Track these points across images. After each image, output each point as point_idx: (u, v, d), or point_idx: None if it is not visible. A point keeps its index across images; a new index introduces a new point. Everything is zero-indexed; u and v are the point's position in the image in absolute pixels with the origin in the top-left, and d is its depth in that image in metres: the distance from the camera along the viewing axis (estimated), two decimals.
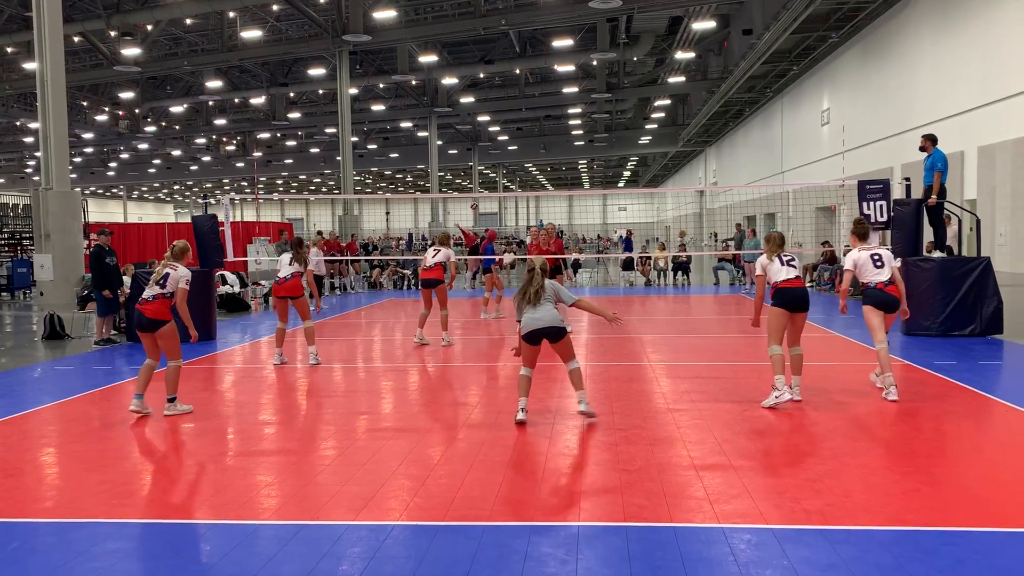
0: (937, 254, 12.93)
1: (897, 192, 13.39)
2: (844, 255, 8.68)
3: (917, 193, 12.99)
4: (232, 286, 18.65)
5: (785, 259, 7.76)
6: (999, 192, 20.59)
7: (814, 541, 4.27)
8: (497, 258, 19.34)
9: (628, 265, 26.69)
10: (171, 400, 7.76)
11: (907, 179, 13.46)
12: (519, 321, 7.19)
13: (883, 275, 7.84)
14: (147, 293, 7.81)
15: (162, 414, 7.70)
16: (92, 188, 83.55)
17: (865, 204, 13.08)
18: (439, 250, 12.30)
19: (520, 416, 7.04)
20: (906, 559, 4.02)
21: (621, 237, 26.56)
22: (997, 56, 20.51)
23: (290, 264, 10.69)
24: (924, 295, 11.76)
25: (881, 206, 12.97)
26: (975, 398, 7.73)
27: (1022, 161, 19.47)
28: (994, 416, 7.15)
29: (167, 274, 7.85)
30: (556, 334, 7.09)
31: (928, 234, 13.08)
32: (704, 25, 31.79)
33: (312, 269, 11.01)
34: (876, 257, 7.93)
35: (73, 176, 71.29)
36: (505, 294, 16.81)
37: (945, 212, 13.27)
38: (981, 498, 4.94)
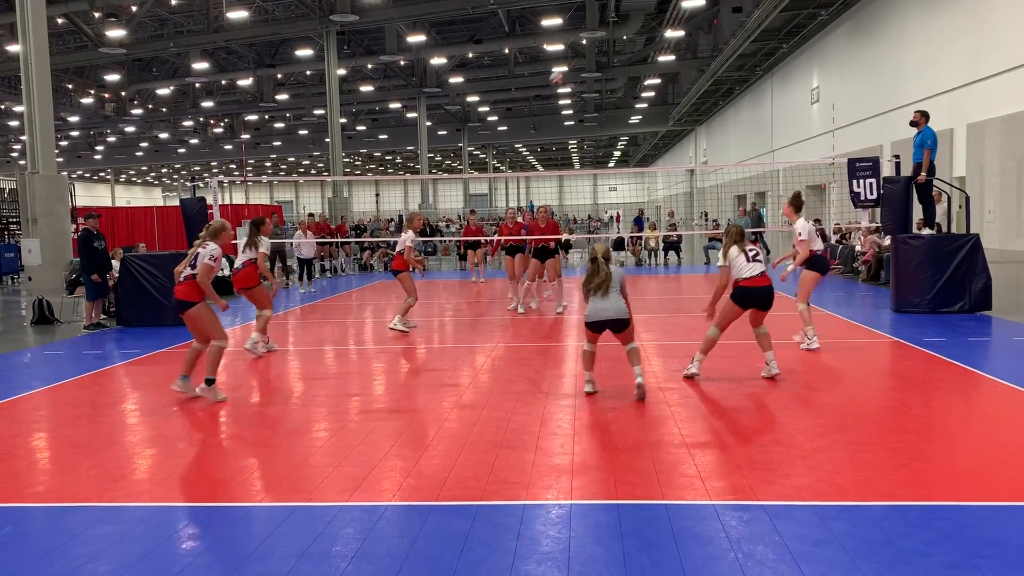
0: (927, 231, 12.98)
1: (887, 169, 13.41)
2: (800, 230, 9.26)
3: (907, 171, 13.01)
4: (222, 269, 18.57)
5: (751, 254, 7.66)
6: (988, 169, 20.65)
7: (805, 517, 4.30)
8: (484, 239, 19.25)
9: (619, 245, 26.70)
10: (208, 382, 7.46)
11: (896, 157, 13.48)
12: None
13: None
14: (181, 276, 7.55)
15: (196, 392, 7.55)
16: (79, 172, 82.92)
17: (855, 182, 13.10)
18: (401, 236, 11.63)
19: (588, 388, 7.33)
20: (896, 534, 4.05)
21: (611, 217, 26.35)
22: (986, 33, 20.50)
23: (244, 250, 9.86)
24: (913, 272, 11.81)
25: (871, 184, 12.99)
26: (964, 374, 7.79)
27: (1011, 138, 19.51)
28: (982, 392, 7.21)
29: (198, 254, 7.52)
30: (620, 325, 7.13)
31: (918, 211, 13.12)
32: (694, 3, 31.62)
33: (264, 251, 9.90)
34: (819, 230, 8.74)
35: (60, 160, 70.76)
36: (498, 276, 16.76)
37: (935, 189, 13.30)
38: (969, 473, 4.98)
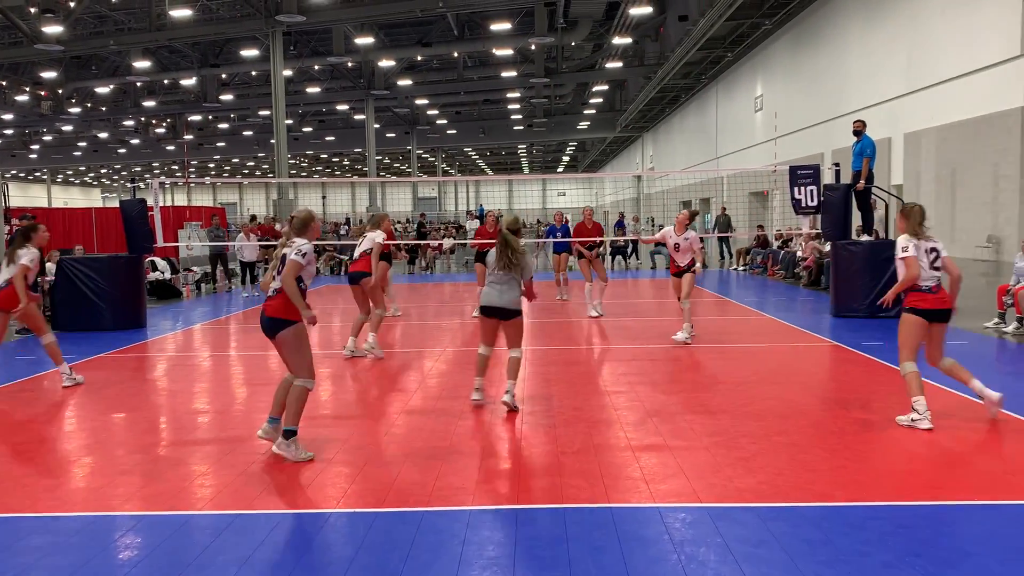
0: (865, 238, 13.31)
1: (827, 177, 13.72)
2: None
3: (846, 178, 13.34)
4: (163, 272, 18.19)
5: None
6: (924, 177, 21.28)
7: (746, 518, 4.38)
8: (436, 243, 19.16)
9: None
10: (288, 434, 5.63)
11: (836, 164, 13.80)
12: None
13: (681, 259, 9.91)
14: (271, 288, 5.86)
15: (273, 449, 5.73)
16: (13, 172, 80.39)
17: (796, 189, 13.39)
18: (366, 236, 10.30)
19: (476, 397, 7.07)
20: (834, 534, 4.14)
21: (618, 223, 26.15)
22: (922, 45, 21.13)
23: (8, 265, 8.10)
24: (852, 277, 12.10)
25: (811, 191, 13.29)
26: (900, 377, 7.98)
27: (946, 147, 20.14)
28: None
29: (284, 256, 5.76)
30: (510, 314, 6.85)
31: (857, 218, 13.45)
32: (641, 11, 31.99)
33: (27, 264, 8.03)
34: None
35: None
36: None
37: (872, 196, 13.66)
38: (904, 473, 5.13)
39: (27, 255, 8.07)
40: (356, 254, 10.17)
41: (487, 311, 6.91)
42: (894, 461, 5.38)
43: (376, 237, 10.11)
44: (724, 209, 26.37)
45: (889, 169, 22.44)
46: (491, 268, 6.89)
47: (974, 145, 18.97)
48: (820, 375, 8.58)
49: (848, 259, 12.19)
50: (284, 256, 5.72)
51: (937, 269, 6.38)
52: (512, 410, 6.76)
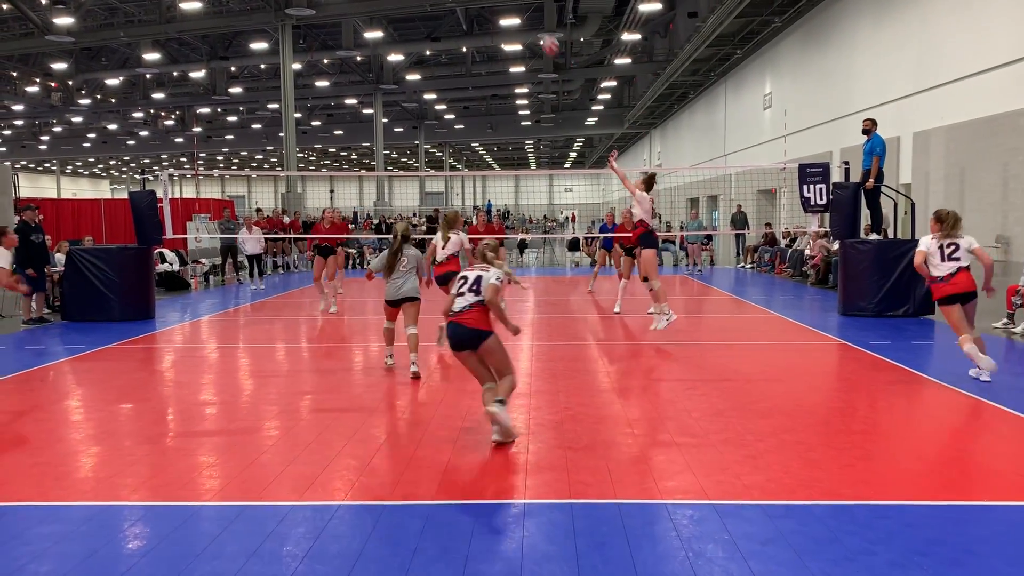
0: (874, 236, 13.27)
1: (836, 175, 13.68)
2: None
3: (855, 176, 13.29)
4: (171, 264, 18.25)
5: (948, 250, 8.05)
6: (933, 177, 21.19)
7: (754, 516, 4.37)
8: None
9: (574, 246, 26.83)
10: (502, 403, 5.68)
11: (846, 163, 13.76)
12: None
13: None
14: (460, 304, 5.91)
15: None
16: (23, 162, 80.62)
17: (805, 187, 13.35)
18: (449, 237, 10.07)
19: (388, 362, 8.59)
20: (841, 532, 4.14)
21: (566, 217, 26.37)
22: (932, 44, 21.04)
23: None
24: (861, 276, 12.07)
25: (821, 189, 13.24)
26: (908, 376, 7.98)
27: (955, 147, 20.06)
28: (925, 394, 7.39)
29: (480, 277, 5.98)
30: (411, 301, 8.34)
31: (866, 217, 13.40)
32: (650, 7, 31.88)
33: (3, 266, 8.99)
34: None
35: (2, 150, 68.80)
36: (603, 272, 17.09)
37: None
38: (911, 472, 5.12)
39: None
40: (442, 256, 10.18)
41: (391, 303, 8.39)
42: (902, 460, 5.37)
43: (463, 239, 10.22)
44: (740, 207, 26.16)
45: (898, 168, 22.35)
46: (383, 266, 8.30)
47: (983, 145, 18.89)
48: (828, 373, 8.57)
49: (856, 258, 12.16)
50: (480, 278, 5.97)
51: (955, 260, 7.61)
52: (415, 378, 8.00)
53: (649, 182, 10.39)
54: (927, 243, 7.79)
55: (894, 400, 7.08)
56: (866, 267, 12.03)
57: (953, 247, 7.66)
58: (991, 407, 6.60)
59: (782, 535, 4.11)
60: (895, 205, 13.21)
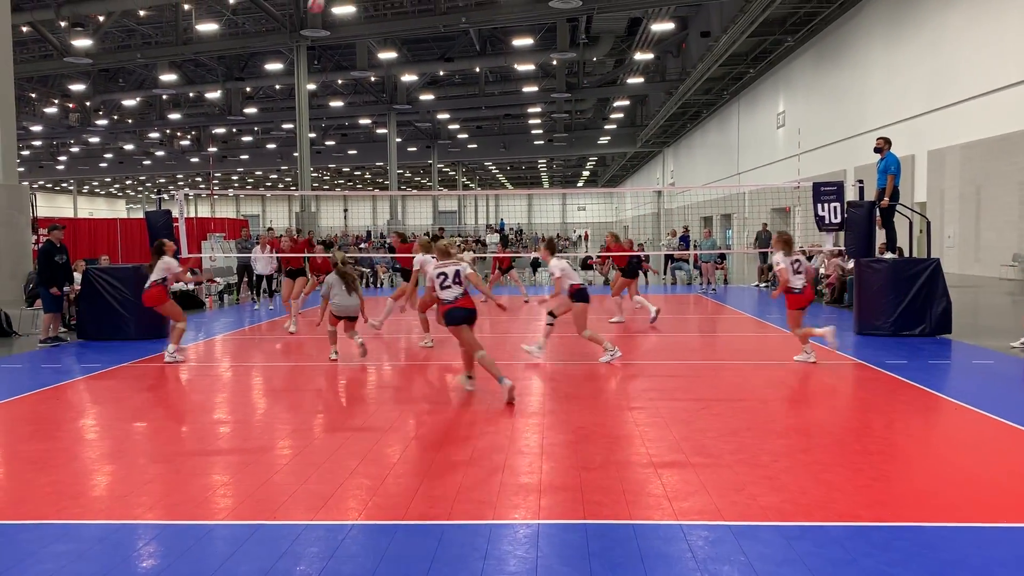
0: (889, 255, 13.21)
1: (850, 194, 13.64)
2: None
3: (870, 195, 13.25)
4: (186, 284, 18.32)
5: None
6: (948, 195, 21.10)
7: (770, 537, 4.33)
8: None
9: (586, 264, 26.84)
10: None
11: (860, 181, 13.72)
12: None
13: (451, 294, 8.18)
14: (451, 294, 8.03)
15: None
16: (41, 182, 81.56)
17: (819, 206, 13.31)
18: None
19: (333, 356, 10.38)
20: (859, 554, 4.09)
21: (579, 236, 26.41)
22: (946, 63, 21.01)
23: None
24: (876, 296, 12.00)
25: (835, 208, 13.20)
26: (924, 396, 7.92)
27: (970, 165, 19.97)
28: (942, 414, 7.33)
29: (456, 271, 8.11)
30: (354, 315, 10.48)
31: (881, 236, 13.34)
32: (663, 27, 32.06)
33: (179, 269, 11.16)
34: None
35: (21, 169, 69.58)
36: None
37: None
38: (929, 493, 5.06)
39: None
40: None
41: (340, 316, 10.42)
42: (919, 481, 5.31)
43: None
44: (765, 225, 25.97)
45: (912, 187, 22.27)
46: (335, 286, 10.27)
47: (999, 163, 18.80)
48: (843, 393, 8.50)
49: (872, 277, 12.09)
50: (457, 271, 8.08)
51: (800, 274, 9.78)
52: (361, 346, 10.36)
53: (551, 246, 10.48)
54: (784, 260, 9.70)
55: (911, 420, 7.02)
56: (881, 286, 11.96)
57: (798, 263, 9.78)
58: (1010, 427, 6.53)
59: (799, 557, 4.07)
60: (910, 224, 13.14)
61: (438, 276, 8.05)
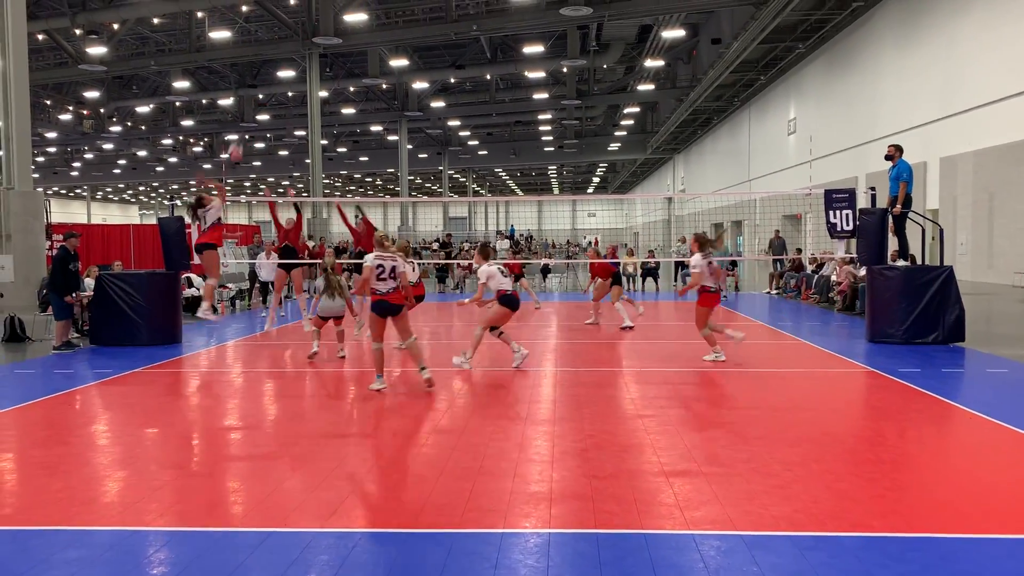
0: (901, 263, 13.13)
1: (862, 201, 13.58)
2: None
3: (882, 202, 13.18)
4: (198, 289, 18.40)
5: (503, 272, 10.18)
6: (960, 202, 20.98)
7: (783, 547, 4.30)
8: (467, 263, 19.28)
9: None
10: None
11: (872, 188, 13.66)
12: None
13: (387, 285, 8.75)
14: (386, 287, 8.65)
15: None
16: (55, 188, 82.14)
17: (831, 212, 13.25)
18: (413, 263, 11.71)
19: (314, 350, 11.08)
20: (873, 564, 4.06)
21: (589, 243, 26.43)
22: (958, 70, 20.91)
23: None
24: (888, 303, 11.92)
25: (847, 215, 13.14)
26: (938, 405, 7.86)
27: (982, 172, 19.86)
28: (956, 423, 7.27)
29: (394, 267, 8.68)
30: (340, 316, 11.15)
31: (893, 243, 13.27)
32: (673, 34, 32.06)
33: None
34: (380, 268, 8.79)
35: (36, 176, 69.98)
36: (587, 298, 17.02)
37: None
38: (944, 504, 5.01)
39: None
40: (414, 278, 11.67)
41: (325, 317, 11.06)
42: (934, 491, 5.26)
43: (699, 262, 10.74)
44: (778, 232, 25.88)
45: (924, 194, 22.16)
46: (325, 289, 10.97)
47: (1012, 170, 18.68)
48: (856, 402, 8.45)
49: (884, 284, 12.02)
50: (394, 266, 8.67)
51: (713, 275, 10.45)
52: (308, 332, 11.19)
53: (484, 251, 10.66)
54: (701, 260, 10.34)
55: (924, 429, 6.96)
56: (894, 294, 11.89)
57: (711, 264, 10.40)
58: None
59: (812, 568, 4.03)
60: (922, 231, 13.07)
61: (376, 267, 8.59)
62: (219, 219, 11.48)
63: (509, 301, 10.07)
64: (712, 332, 10.53)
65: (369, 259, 8.69)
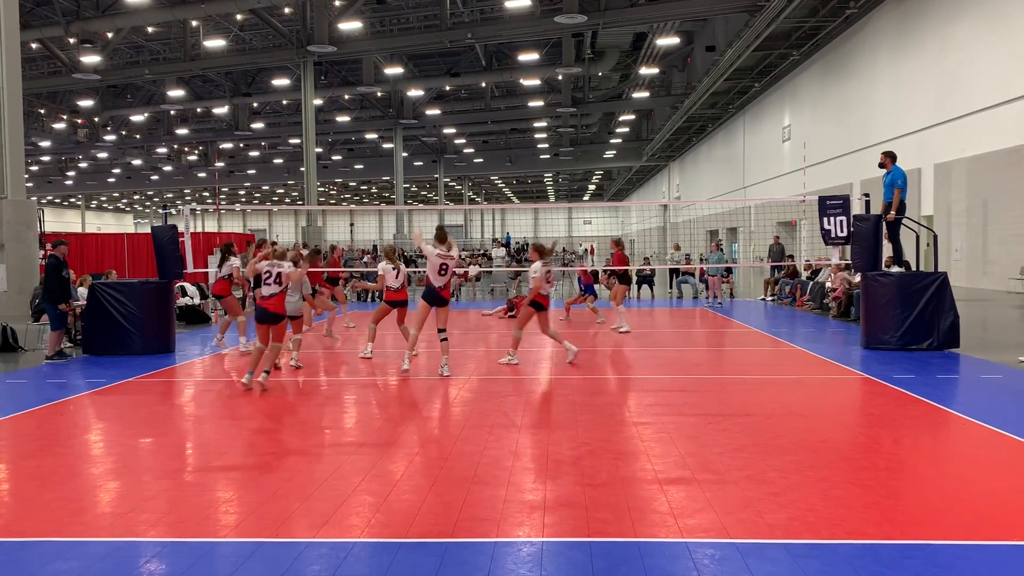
0: (895, 269, 13.15)
1: (857, 208, 13.60)
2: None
3: (876, 209, 13.21)
4: (192, 298, 18.37)
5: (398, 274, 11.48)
6: (954, 209, 21.04)
7: (777, 555, 4.28)
8: (463, 271, 19.31)
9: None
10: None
11: (866, 195, 13.69)
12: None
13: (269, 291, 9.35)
14: (268, 291, 9.23)
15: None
16: (49, 197, 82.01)
17: (826, 219, 13.28)
18: (400, 268, 11.98)
19: (293, 360, 11.00)
20: (868, 572, 4.04)
21: (585, 250, 26.46)
22: (952, 76, 20.99)
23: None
24: (883, 310, 11.93)
25: (841, 221, 13.17)
26: (933, 411, 7.85)
27: (977, 179, 19.92)
28: (951, 429, 7.26)
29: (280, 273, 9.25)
30: (296, 317, 11.06)
31: (888, 249, 13.29)
32: (668, 41, 32.15)
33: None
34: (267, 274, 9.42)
35: (29, 185, 70.15)
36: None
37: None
38: (939, 510, 5.00)
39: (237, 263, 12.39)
40: (396, 284, 11.91)
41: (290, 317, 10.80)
42: (929, 498, 5.25)
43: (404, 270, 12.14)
44: (777, 238, 25.91)
45: (919, 200, 22.22)
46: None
47: (1006, 176, 18.74)
48: (851, 408, 8.44)
49: (878, 291, 12.03)
50: (280, 272, 9.19)
51: (550, 283, 10.94)
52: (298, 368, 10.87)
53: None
54: (540, 269, 10.65)
55: (920, 436, 6.95)
56: (888, 300, 11.89)
57: (549, 272, 10.84)
58: (1020, 443, 6.46)
59: (806, 575, 4.01)
60: (917, 237, 13.09)
61: (264, 272, 9.15)
62: (230, 275, 12.75)
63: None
64: (518, 338, 11.04)
65: (262, 265, 9.36)
